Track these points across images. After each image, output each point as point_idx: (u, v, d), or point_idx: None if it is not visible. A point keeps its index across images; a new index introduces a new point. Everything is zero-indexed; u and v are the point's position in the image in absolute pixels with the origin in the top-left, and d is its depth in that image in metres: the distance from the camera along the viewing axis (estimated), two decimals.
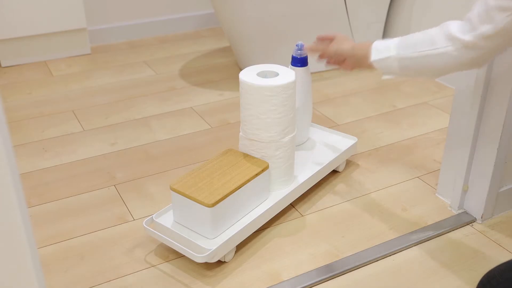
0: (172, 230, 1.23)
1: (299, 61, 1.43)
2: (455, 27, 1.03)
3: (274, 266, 1.24)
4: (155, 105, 1.99)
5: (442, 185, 1.46)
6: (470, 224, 1.38)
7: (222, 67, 2.32)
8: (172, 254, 1.27)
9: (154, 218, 1.27)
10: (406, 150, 1.69)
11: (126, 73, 2.26)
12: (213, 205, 1.17)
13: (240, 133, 1.34)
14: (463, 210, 1.41)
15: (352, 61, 1.22)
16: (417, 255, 1.28)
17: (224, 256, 1.23)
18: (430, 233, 1.33)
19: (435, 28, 1.07)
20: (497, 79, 1.23)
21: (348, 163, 1.61)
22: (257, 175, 1.27)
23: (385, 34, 2.37)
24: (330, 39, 1.28)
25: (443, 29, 1.05)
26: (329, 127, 1.76)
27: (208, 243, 1.20)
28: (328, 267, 1.24)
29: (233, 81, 2.16)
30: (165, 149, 1.71)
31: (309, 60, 1.45)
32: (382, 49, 1.14)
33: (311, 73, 1.46)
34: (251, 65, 1.41)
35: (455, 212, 1.41)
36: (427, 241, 1.32)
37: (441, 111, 1.93)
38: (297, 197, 1.41)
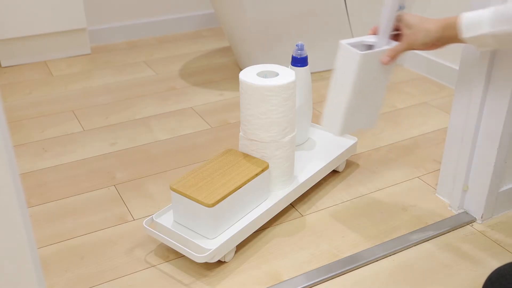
0: (172, 230, 1.23)
1: (299, 61, 1.43)
2: None
3: (274, 266, 1.25)
4: (155, 105, 1.99)
5: (442, 185, 1.46)
6: (470, 224, 1.38)
7: (222, 67, 2.32)
8: (172, 254, 1.27)
9: (154, 218, 1.27)
10: (406, 150, 1.69)
11: (126, 73, 2.26)
12: (213, 205, 1.17)
13: (240, 133, 1.34)
14: (463, 210, 1.41)
15: (441, 43, 1.14)
16: (417, 255, 1.28)
17: (224, 256, 1.23)
18: (430, 233, 1.33)
19: None
20: (497, 79, 1.23)
21: (348, 163, 1.61)
22: (257, 175, 1.27)
23: None
24: (396, 29, 1.19)
25: None
26: None
27: (208, 243, 1.20)
28: (328, 267, 1.24)
29: (233, 81, 2.16)
30: (165, 149, 1.71)
31: (309, 60, 1.45)
32: (473, 26, 1.06)
33: (311, 73, 1.46)
34: (251, 65, 1.41)
35: (455, 212, 1.41)
36: (427, 241, 1.32)
37: (441, 111, 1.93)
38: (297, 197, 1.41)
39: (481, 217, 1.37)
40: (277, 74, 1.29)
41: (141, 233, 1.33)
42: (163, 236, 1.23)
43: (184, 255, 1.24)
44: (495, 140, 1.27)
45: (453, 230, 1.35)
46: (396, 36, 1.21)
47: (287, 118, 1.28)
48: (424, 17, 1.15)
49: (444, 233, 1.34)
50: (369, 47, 1.21)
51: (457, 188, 1.39)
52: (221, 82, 2.17)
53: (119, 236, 1.34)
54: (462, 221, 1.38)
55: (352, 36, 2.22)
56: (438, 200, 1.46)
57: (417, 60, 2.23)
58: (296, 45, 1.43)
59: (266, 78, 1.27)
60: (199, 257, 1.16)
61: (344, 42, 1.18)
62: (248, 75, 1.27)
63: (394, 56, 1.19)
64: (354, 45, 1.18)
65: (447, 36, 1.12)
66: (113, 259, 1.27)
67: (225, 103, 2.00)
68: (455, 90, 1.33)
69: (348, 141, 1.57)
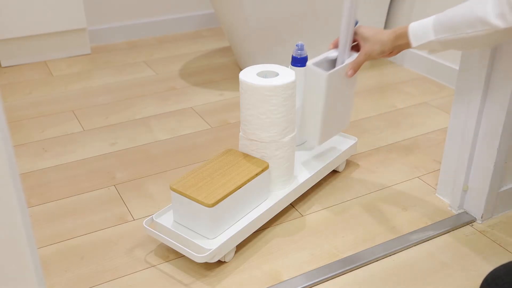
0: (172, 230, 1.23)
1: (299, 61, 1.43)
2: (491, 11, 1.03)
3: (274, 266, 1.25)
4: (155, 105, 1.99)
5: (442, 185, 1.46)
6: (470, 224, 1.38)
7: (222, 67, 2.32)
8: (172, 254, 1.27)
9: (154, 218, 1.27)
10: (406, 150, 1.69)
11: (126, 73, 2.26)
12: (213, 205, 1.17)
13: (240, 133, 1.34)
14: (463, 210, 1.41)
15: (397, 51, 1.25)
16: (417, 255, 1.28)
17: (224, 256, 1.23)
18: (430, 233, 1.33)
19: (469, 8, 1.07)
20: (497, 79, 1.23)
21: (348, 163, 1.61)
22: (257, 175, 1.27)
23: None
24: (354, 41, 1.31)
25: (478, 12, 1.05)
26: None
27: (208, 243, 1.20)
28: (328, 267, 1.24)
29: (233, 81, 2.16)
30: (165, 149, 1.71)
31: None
32: (420, 35, 1.16)
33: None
34: (251, 65, 1.41)
35: (455, 212, 1.41)
36: (427, 241, 1.32)
37: (441, 111, 1.93)
38: (297, 197, 1.41)
39: (481, 217, 1.37)
40: (277, 74, 1.29)
41: (141, 233, 1.33)
42: (163, 236, 1.23)
43: (184, 255, 1.24)
44: (495, 140, 1.27)
45: (453, 230, 1.35)
46: (354, 47, 1.32)
47: (287, 118, 1.28)
48: (377, 29, 1.27)
49: (444, 233, 1.35)
50: (333, 61, 1.32)
51: (457, 188, 1.39)
52: (221, 82, 2.17)
53: (119, 236, 1.34)
54: (462, 221, 1.38)
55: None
56: (438, 200, 1.46)
57: (417, 60, 2.23)
58: (296, 45, 1.43)
59: (266, 78, 1.27)
60: (199, 257, 1.16)
61: (309, 63, 1.29)
62: (248, 75, 1.27)
63: (356, 68, 1.30)
64: (319, 63, 1.30)
65: (400, 45, 1.22)
66: (113, 259, 1.27)
67: (225, 103, 2.00)
68: (455, 90, 1.33)
69: (348, 141, 1.57)
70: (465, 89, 1.30)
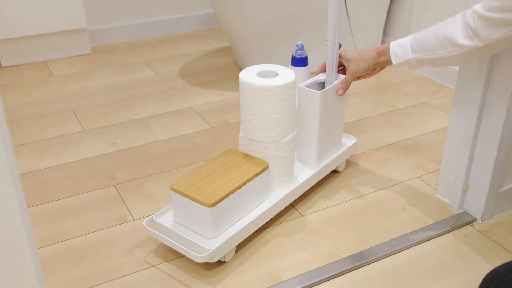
0: (172, 230, 1.23)
1: (299, 61, 1.43)
2: (458, 34, 1.11)
3: (274, 266, 1.25)
4: (155, 105, 1.99)
5: (442, 185, 1.45)
6: (470, 224, 1.38)
7: (222, 67, 2.32)
8: (172, 254, 1.27)
9: (154, 218, 1.27)
10: (406, 150, 1.69)
11: (126, 73, 2.26)
12: (213, 205, 1.17)
13: (240, 133, 1.34)
14: (463, 210, 1.41)
15: (380, 67, 1.34)
16: (417, 255, 1.28)
17: (224, 256, 1.23)
18: (430, 233, 1.33)
19: (441, 29, 1.15)
20: (497, 79, 1.23)
21: (348, 163, 1.61)
22: (257, 175, 1.27)
23: (385, 34, 2.37)
24: (341, 63, 1.40)
25: (448, 33, 1.13)
26: None
27: (208, 243, 1.20)
28: (328, 267, 1.24)
29: (233, 81, 2.16)
30: (165, 149, 1.71)
31: (309, 60, 1.45)
32: (400, 54, 1.24)
33: (311, 73, 1.46)
34: (251, 65, 1.41)
35: (455, 212, 1.41)
36: (427, 241, 1.32)
37: (441, 111, 1.93)
38: (297, 197, 1.41)
39: (481, 217, 1.37)
40: (277, 74, 1.29)
41: (141, 233, 1.33)
42: (163, 236, 1.23)
43: (184, 255, 1.24)
44: (495, 141, 1.27)
45: (453, 230, 1.35)
46: (340, 71, 1.42)
47: (287, 118, 1.28)
48: (358, 50, 1.36)
49: (444, 233, 1.35)
50: (322, 84, 1.42)
51: (457, 188, 1.39)
52: (221, 82, 2.17)
53: (119, 236, 1.34)
54: (462, 221, 1.38)
55: (352, 36, 2.22)
56: (438, 200, 1.46)
57: None
58: (296, 45, 1.43)
59: (266, 78, 1.27)
60: (199, 257, 1.16)
61: (301, 85, 1.38)
62: (248, 75, 1.27)
63: (346, 87, 1.39)
64: (310, 85, 1.39)
65: (382, 61, 1.30)
66: (113, 259, 1.27)
67: (225, 103, 2.00)
68: (455, 90, 1.33)
69: (348, 141, 1.57)
70: (465, 89, 1.30)
